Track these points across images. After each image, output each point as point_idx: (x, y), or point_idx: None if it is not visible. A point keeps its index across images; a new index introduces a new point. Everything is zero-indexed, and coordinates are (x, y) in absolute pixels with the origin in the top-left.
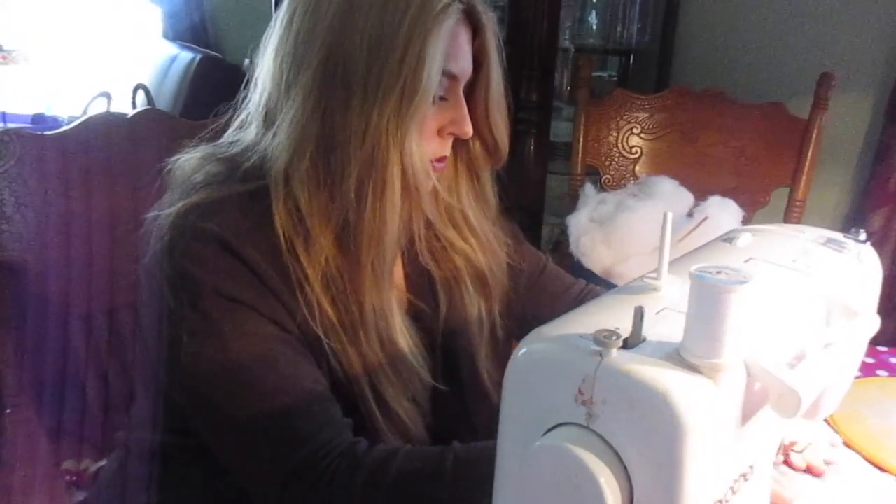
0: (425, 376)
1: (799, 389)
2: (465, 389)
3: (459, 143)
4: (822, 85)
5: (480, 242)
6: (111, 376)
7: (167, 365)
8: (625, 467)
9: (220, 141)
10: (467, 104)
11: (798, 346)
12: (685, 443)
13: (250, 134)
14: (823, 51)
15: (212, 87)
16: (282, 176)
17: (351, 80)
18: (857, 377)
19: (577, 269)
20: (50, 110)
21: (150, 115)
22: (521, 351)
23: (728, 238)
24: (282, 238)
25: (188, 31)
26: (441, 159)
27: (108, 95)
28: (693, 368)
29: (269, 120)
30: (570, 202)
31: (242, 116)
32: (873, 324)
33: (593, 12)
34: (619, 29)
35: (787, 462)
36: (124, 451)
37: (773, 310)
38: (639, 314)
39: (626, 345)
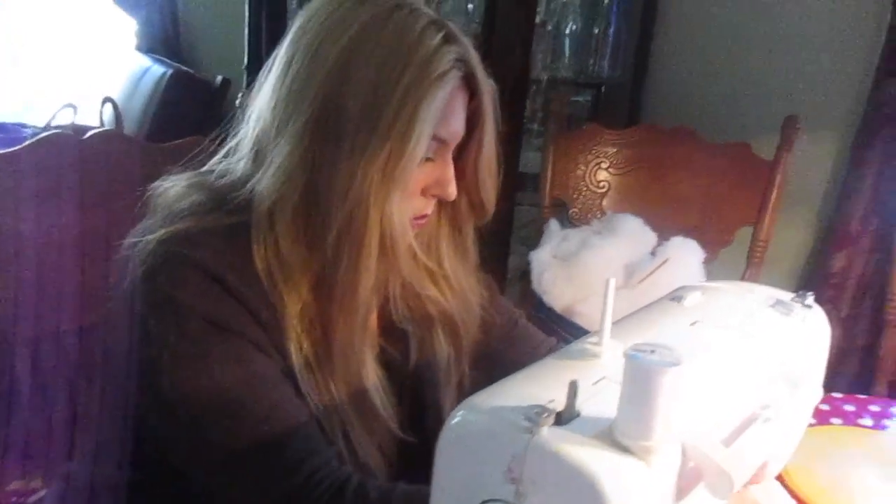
0: (393, 427)
1: (731, 471)
2: (430, 440)
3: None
4: (788, 127)
5: (455, 293)
6: (57, 400)
7: (144, 392)
8: None
9: (206, 169)
10: (457, 162)
11: (736, 419)
12: None
13: (239, 167)
14: (790, 93)
15: (182, 102)
16: (265, 219)
17: (341, 137)
18: (812, 425)
19: (539, 306)
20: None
21: (110, 137)
22: (455, 419)
23: (676, 297)
24: (263, 276)
25: (161, 43)
26: (422, 217)
27: (73, 107)
28: (624, 449)
29: (259, 158)
30: (537, 232)
31: (231, 144)
32: (815, 395)
33: (566, 43)
34: (591, 62)
35: None
36: (65, 484)
37: (715, 381)
38: (573, 389)
39: (559, 420)
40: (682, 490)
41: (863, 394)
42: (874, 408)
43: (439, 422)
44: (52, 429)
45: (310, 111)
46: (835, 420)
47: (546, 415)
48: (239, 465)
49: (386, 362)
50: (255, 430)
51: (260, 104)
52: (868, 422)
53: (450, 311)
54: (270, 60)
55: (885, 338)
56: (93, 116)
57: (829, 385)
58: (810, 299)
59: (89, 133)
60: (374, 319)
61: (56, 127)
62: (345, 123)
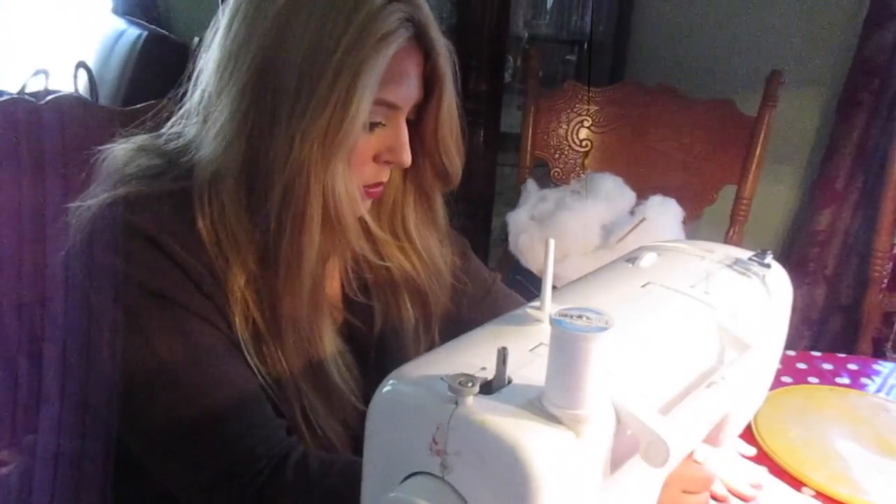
0: (355, 401)
1: (668, 439)
2: None
3: (410, 165)
4: (772, 82)
5: (423, 262)
6: (21, 373)
7: (86, 362)
8: None
9: (160, 132)
10: (416, 127)
11: (682, 383)
12: (538, 499)
13: (191, 130)
14: (774, 49)
15: (158, 66)
16: (208, 186)
17: (278, 102)
18: (788, 383)
19: (517, 267)
20: None
21: (67, 102)
22: (384, 389)
23: (631, 258)
24: (207, 242)
25: (137, 5)
26: (377, 185)
27: (45, 73)
28: (553, 419)
29: (206, 121)
30: (518, 195)
31: (186, 107)
32: (772, 356)
33: (549, 0)
34: (573, 19)
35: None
36: (29, 456)
37: (661, 343)
38: (501, 356)
39: (487, 389)
40: (617, 461)
41: (847, 351)
42: (852, 366)
43: None
44: (16, 402)
45: (248, 74)
46: (812, 379)
47: (471, 384)
48: (176, 438)
49: (349, 334)
50: (196, 404)
51: (207, 64)
52: (845, 380)
53: (416, 279)
54: (218, 15)
55: (869, 294)
56: (67, 82)
57: (814, 343)
58: (769, 258)
59: (47, 98)
60: (335, 289)
61: (29, 94)
62: (283, 88)
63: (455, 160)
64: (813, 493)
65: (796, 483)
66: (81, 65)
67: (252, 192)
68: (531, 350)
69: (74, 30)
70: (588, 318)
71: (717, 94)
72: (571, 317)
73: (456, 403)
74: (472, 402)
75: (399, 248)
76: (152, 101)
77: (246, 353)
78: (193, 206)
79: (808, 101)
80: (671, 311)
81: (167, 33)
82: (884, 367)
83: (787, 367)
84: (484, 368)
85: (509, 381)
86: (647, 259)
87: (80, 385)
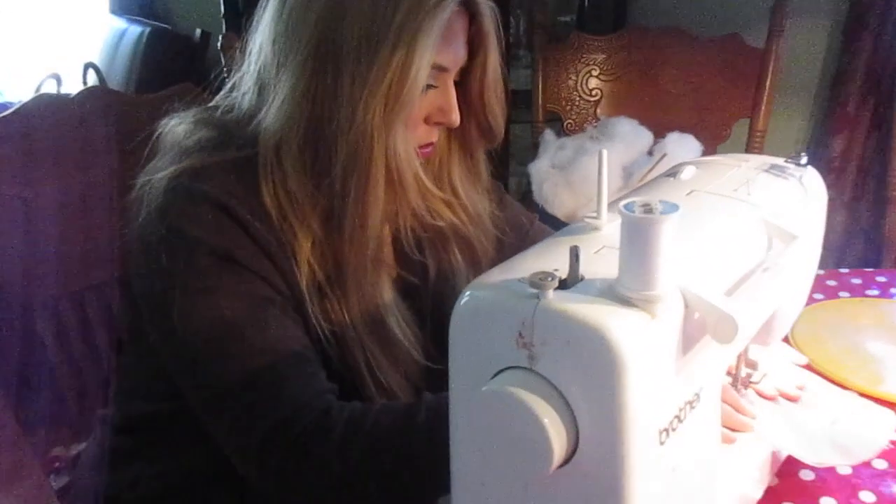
0: (416, 354)
1: (735, 315)
2: None
3: None
4: (777, 12)
5: (469, 215)
6: (80, 359)
7: (159, 325)
8: (569, 406)
9: (212, 105)
10: (461, 87)
11: (737, 273)
12: (624, 377)
13: (245, 101)
14: None
15: (164, 59)
16: (272, 155)
17: (340, 70)
18: (820, 300)
19: (542, 216)
20: (2, 96)
21: (95, 94)
22: (463, 299)
23: (672, 173)
24: (273, 210)
25: (134, 3)
26: (428, 145)
27: (57, 77)
28: (628, 303)
29: (263, 92)
30: (534, 151)
31: (234, 80)
32: (814, 246)
33: None
34: None
35: (759, 392)
36: (104, 428)
37: (713, 239)
38: (574, 254)
39: (563, 285)
40: (689, 341)
41: None
42: (881, 279)
43: None
44: (82, 391)
45: (309, 46)
46: (843, 294)
47: (551, 279)
48: (232, 395)
49: (405, 290)
50: (252, 362)
51: (260, 38)
52: (875, 292)
53: (464, 232)
54: None
55: (889, 215)
56: (76, 85)
57: (837, 265)
58: (804, 159)
59: (77, 92)
60: (389, 249)
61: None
62: (344, 57)
63: (499, 118)
64: (856, 394)
65: (841, 387)
66: (90, 65)
67: (316, 158)
68: (595, 252)
69: (76, 32)
70: (655, 205)
71: (723, 30)
72: (639, 205)
73: (538, 298)
74: (553, 296)
75: (447, 203)
76: (178, 86)
77: (311, 311)
78: (258, 173)
79: (815, 29)
80: (719, 212)
81: (169, 27)
82: None
83: (817, 284)
84: (556, 269)
85: (582, 278)
86: (687, 172)
87: (151, 352)
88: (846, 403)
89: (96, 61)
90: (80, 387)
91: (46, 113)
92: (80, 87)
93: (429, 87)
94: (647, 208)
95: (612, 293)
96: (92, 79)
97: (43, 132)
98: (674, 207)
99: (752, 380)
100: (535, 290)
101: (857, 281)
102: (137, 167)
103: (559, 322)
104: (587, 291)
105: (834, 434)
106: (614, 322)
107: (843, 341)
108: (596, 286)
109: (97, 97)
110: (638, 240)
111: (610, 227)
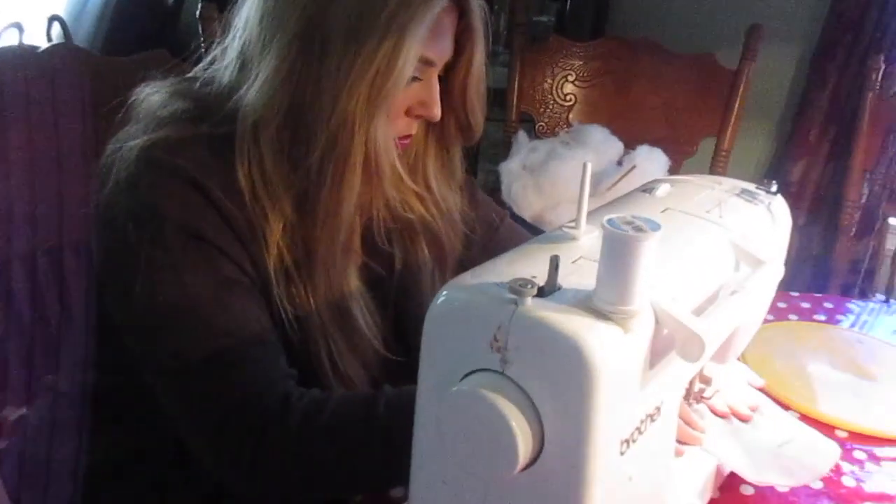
0: (376, 344)
1: (703, 335)
2: (414, 358)
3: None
4: (752, 36)
5: (440, 211)
6: (28, 323)
7: (119, 298)
8: (536, 411)
9: (190, 76)
10: (444, 83)
11: (705, 293)
12: (594, 387)
13: (225, 77)
14: (754, 3)
15: (136, 19)
16: (250, 133)
17: (326, 55)
18: (769, 321)
19: (511, 215)
20: None
21: (65, 51)
22: (440, 299)
23: (648, 188)
24: (246, 191)
25: None
26: (406, 137)
27: (19, 27)
28: (604, 316)
29: (245, 68)
30: (505, 149)
31: (216, 53)
32: (777, 272)
33: None
34: None
35: (710, 408)
36: (53, 395)
37: (685, 258)
38: (554, 263)
39: (541, 293)
40: (656, 357)
41: None
42: (828, 304)
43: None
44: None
45: (296, 27)
46: (792, 316)
47: (530, 286)
48: (190, 375)
49: (369, 279)
50: (212, 343)
51: (246, 13)
52: (822, 317)
53: (434, 227)
54: None
55: (839, 243)
56: (39, 38)
57: (787, 285)
58: (774, 187)
59: (48, 45)
60: (358, 237)
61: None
62: (331, 42)
63: (479, 116)
64: (798, 415)
65: (783, 407)
66: (56, 18)
67: (294, 140)
68: (573, 262)
69: None
70: (637, 222)
71: (698, 48)
72: (622, 221)
73: (516, 304)
74: (531, 303)
75: (419, 197)
76: (152, 51)
77: (276, 291)
78: (233, 151)
79: (786, 56)
80: (691, 232)
81: None
82: (856, 305)
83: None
84: (534, 276)
85: (559, 288)
86: (663, 189)
87: (107, 322)
88: (796, 429)
89: (62, 14)
90: (26, 351)
91: (13, 65)
92: (44, 40)
93: (413, 79)
94: (631, 225)
95: (589, 305)
96: (56, 32)
97: (8, 86)
98: (656, 226)
99: (704, 395)
100: (513, 296)
101: (806, 305)
102: (108, 132)
103: (535, 330)
104: (564, 301)
105: (780, 455)
106: (589, 334)
107: (791, 362)
108: (573, 296)
109: (68, 55)
110: (619, 255)
111: (587, 238)
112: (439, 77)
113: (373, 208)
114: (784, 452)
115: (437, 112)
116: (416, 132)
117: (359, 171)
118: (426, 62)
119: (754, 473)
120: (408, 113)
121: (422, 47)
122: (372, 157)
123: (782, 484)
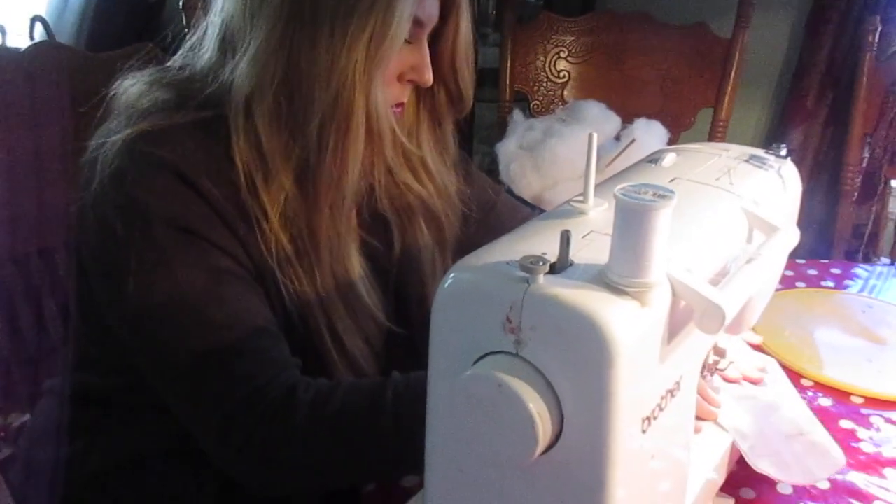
0: (379, 317)
1: (722, 305)
2: (416, 332)
3: (423, 91)
4: (744, 3)
5: (437, 188)
6: (25, 327)
7: (113, 297)
8: (554, 392)
9: (168, 64)
10: (432, 52)
11: (721, 263)
12: (613, 365)
13: (203, 59)
14: None
15: (118, 17)
16: (242, 109)
17: (319, 18)
18: (778, 290)
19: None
20: None
21: (45, 49)
22: (448, 281)
23: (653, 159)
24: (241, 172)
25: None
26: (399, 105)
27: (2, 29)
28: (619, 290)
29: (228, 46)
30: (499, 130)
31: (194, 39)
32: (792, 238)
33: None
34: None
35: (723, 377)
36: (51, 399)
37: (698, 228)
38: (565, 238)
39: (553, 270)
40: (674, 330)
41: None
42: (835, 270)
43: (426, 314)
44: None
45: None
46: (800, 284)
47: (542, 263)
48: (193, 372)
49: (369, 254)
50: (212, 338)
51: None
52: (830, 284)
53: (431, 202)
54: None
55: (841, 207)
56: (22, 39)
57: (792, 253)
58: (784, 150)
59: (27, 46)
60: (353, 214)
61: None
62: (321, 7)
63: (468, 84)
64: (811, 383)
65: (795, 376)
66: (38, 18)
67: (291, 108)
68: (583, 237)
69: None
70: (650, 192)
71: (691, 18)
72: (634, 192)
73: (528, 282)
74: (544, 280)
75: (413, 171)
76: (134, 45)
77: (279, 275)
78: (221, 135)
79: (780, 21)
80: (702, 200)
81: None
82: (864, 270)
83: None
84: (545, 253)
85: (571, 264)
86: (669, 158)
87: (102, 322)
88: (811, 426)
89: (43, 14)
90: (25, 356)
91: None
92: (27, 41)
93: (405, 42)
94: (644, 194)
95: (604, 280)
96: (39, 33)
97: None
98: (670, 193)
99: (718, 367)
100: (524, 275)
101: (813, 272)
102: (90, 129)
103: (550, 308)
104: (578, 277)
105: (787, 446)
106: (606, 310)
107: (800, 330)
108: (586, 272)
109: (48, 53)
110: (633, 226)
111: (597, 212)
112: (428, 45)
113: (375, 172)
114: (791, 445)
115: (428, 76)
116: (408, 107)
117: (361, 134)
118: (416, 23)
119: (753, 458)
120: (400, 79)
121: (414, 5)
122: (374, 119)
123: (776, 478)
